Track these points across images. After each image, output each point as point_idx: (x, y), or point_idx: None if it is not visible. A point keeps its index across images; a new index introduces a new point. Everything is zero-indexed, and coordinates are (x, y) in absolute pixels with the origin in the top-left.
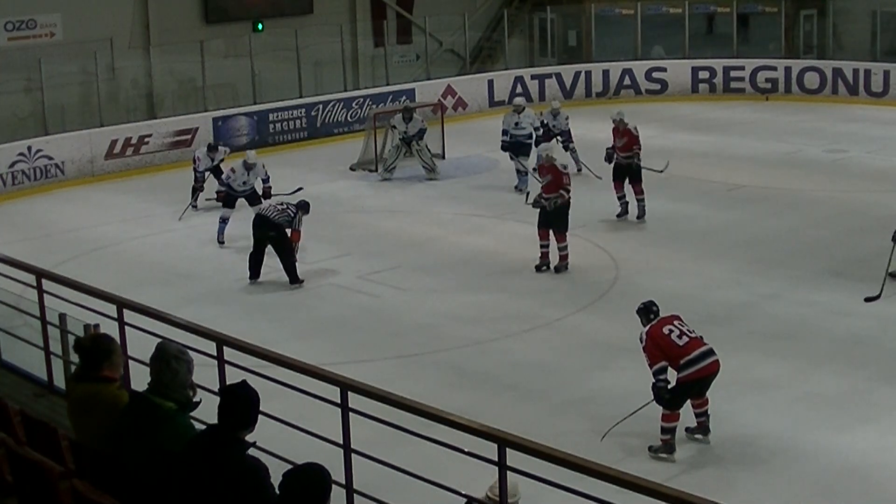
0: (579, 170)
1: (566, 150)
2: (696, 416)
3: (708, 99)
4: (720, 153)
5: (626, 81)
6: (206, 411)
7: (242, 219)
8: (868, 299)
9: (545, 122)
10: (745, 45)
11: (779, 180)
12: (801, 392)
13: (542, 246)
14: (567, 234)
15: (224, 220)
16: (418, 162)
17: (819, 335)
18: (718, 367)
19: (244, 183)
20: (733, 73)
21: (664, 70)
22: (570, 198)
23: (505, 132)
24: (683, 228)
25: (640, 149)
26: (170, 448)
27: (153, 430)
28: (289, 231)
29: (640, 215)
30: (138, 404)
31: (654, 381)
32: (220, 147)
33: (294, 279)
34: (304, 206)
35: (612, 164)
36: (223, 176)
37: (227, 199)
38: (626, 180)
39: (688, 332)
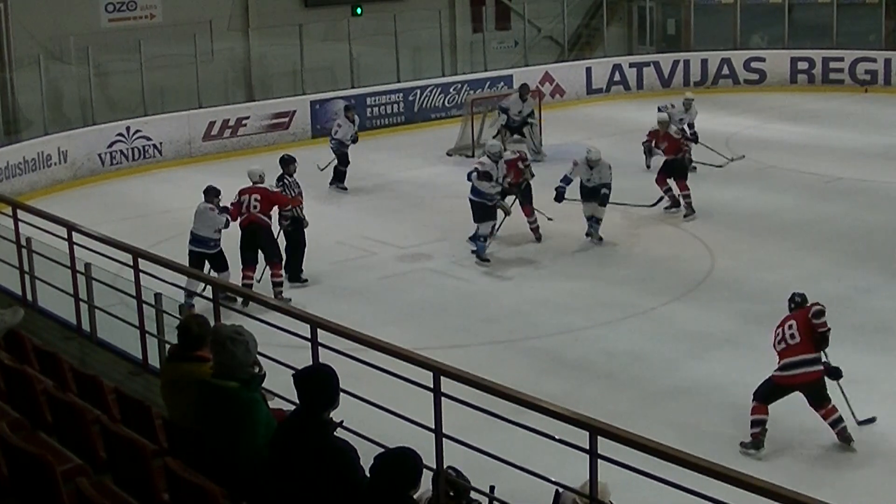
0: (693, 168)
1: (696, 143)
2: (830, 425)
3: (806, 90)
4: (818, 145)
5: (725, 71)
6: None
7: (332, 203)
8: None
9: (675, 115)
10: (844, 35)
11: (877, 173)
12: None
13: None
14: None
15: (483, 238)
16: (527, 144)
17: None
18: (804, 380)
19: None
20: (832, 65)
21: (763, 60)
22: None
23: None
24: (780, 220)
25: (687, 147)
26: (241, 420)
27: (221, 409)
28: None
29: (687, 213)
30: (203, 390)
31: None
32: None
33: (294, 278)
34: (287, 162)
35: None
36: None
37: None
38: (672, 177)
39: (788, 340)
